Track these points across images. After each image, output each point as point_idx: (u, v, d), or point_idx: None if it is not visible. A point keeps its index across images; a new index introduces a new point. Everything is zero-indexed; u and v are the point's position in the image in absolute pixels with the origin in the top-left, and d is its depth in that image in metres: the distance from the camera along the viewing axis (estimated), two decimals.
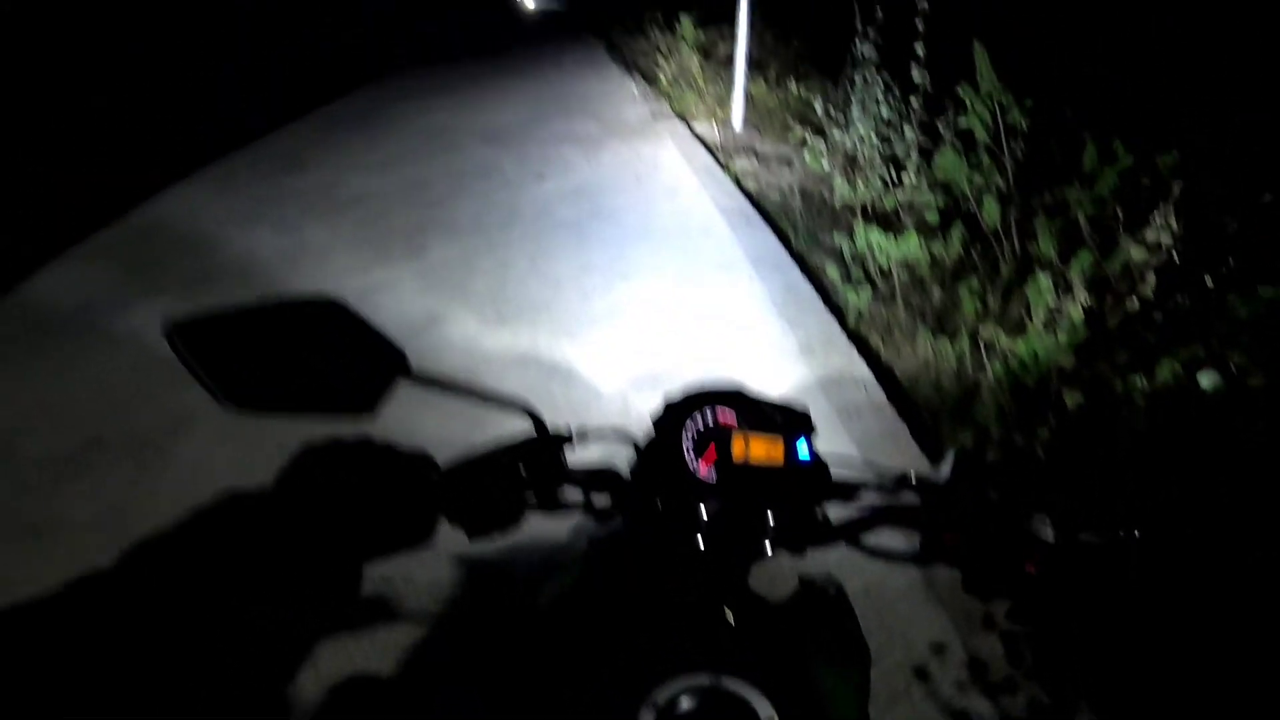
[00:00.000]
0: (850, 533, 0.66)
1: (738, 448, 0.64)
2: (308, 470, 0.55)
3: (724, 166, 4.30)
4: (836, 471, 0.68)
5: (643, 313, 2.78)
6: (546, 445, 0.66)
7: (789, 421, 0.68)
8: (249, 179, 4.50)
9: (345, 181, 4.30)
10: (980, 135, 3.17)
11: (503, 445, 0.65)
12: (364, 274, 3.18)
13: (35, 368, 2.66)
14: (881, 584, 1.63)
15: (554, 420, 0.68)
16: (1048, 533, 0.59)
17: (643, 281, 2.99)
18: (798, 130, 3.73)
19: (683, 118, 5.36)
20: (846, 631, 0.68)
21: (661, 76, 6.07)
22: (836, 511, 0.67)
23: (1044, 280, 2.55)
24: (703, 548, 0.63)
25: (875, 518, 0.66)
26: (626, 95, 6.09)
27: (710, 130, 5.03)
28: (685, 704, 0.52)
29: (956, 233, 2.96)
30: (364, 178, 4.34)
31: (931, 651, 1.51)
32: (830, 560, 0.71)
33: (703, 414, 0.67)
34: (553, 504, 0.66)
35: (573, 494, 0.67)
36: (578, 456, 0.68)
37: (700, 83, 5.71)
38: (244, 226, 3.75)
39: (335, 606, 0.51)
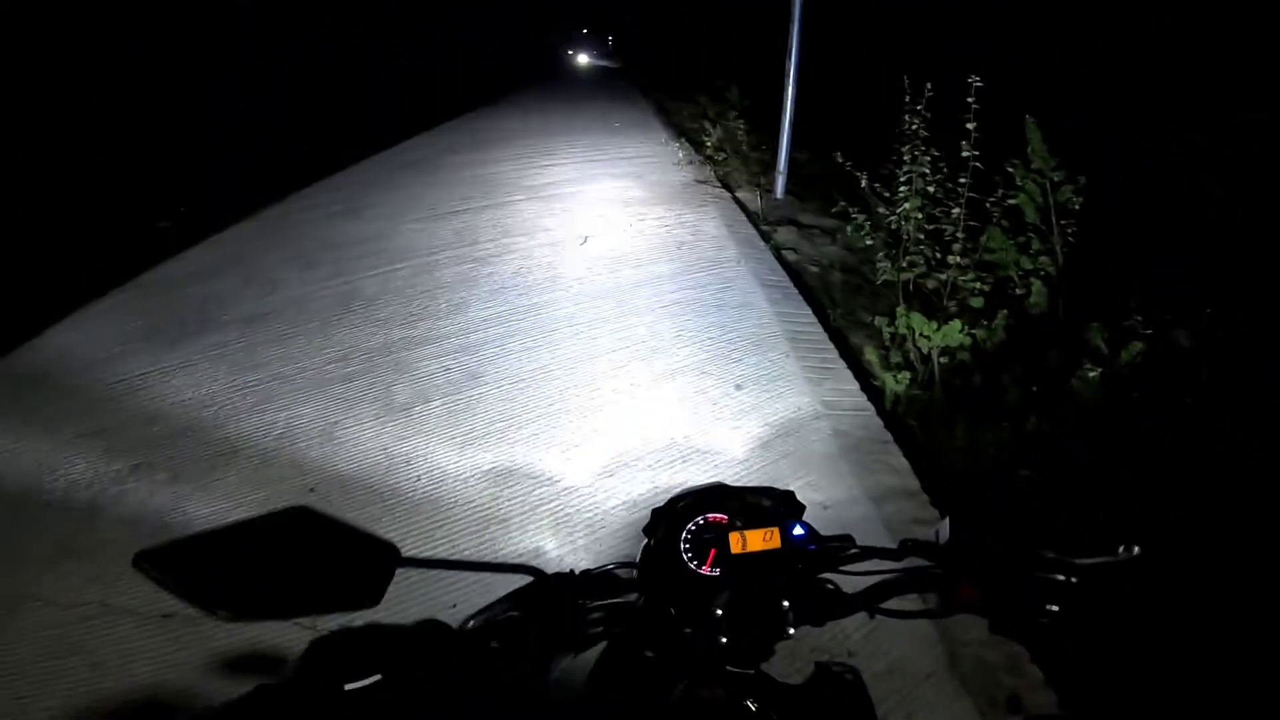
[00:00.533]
0: (866, 600, 0.69)
1: (735, 543, 0.67)
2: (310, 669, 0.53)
3: (765, 237, 4.36)
4: (836, 547, 0.70)
5: (672, 387, 2.79)
6: (553, 590, 0.67)
7: (777, 506, 0.71)
8: (303, 221, 4.72)
9: (398, 231, 4.48)
10: (1030, 215, 3.15)
11: (509, 596, 0.66)
12: (408, 327, 3.27)
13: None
14: (905, 665, 1.56)
15: (558, 567, 0.69)
16: (1059, 569, 0.62)
17: (676, 356, 3.01)
18: (841, 203, 3.76)
19: (726, 185, 5.49)
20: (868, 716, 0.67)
21: (707, 142, 6.25)
22: (848, 584, 0.69)
23: (1091, 373, 2.50)
24: (724, 640, 0.64)
25: (887, 585, 0.69)
26: (671, 159, 6.27)
27: (753, 198, 5.13)
28: None
29: (1001, 317, 2.92)
30: (415, 228, 4.53)
31: None
32: (853, 640, 0.71)
33: (695, 521, 0.69)
34: (571, 644, 0.67)
35: (590, 628, 0.67)
36: (585, 592, 0.69)
37: (745, 149, 5.86)
38: (298, 269, 3.92)
39: None
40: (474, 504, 2.17)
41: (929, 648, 1.61)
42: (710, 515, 0.69)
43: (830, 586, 0.69)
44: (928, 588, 0.68)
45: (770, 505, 0.71)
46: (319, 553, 0.57)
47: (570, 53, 40.03)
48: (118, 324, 3.39)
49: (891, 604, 0.69)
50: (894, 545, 0.70)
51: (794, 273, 3.84)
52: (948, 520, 0.68)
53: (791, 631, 0.65)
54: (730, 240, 4.23)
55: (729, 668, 0.63)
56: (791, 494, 0.72)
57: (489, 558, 0.68)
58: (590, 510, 2.12)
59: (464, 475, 2.29)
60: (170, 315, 3.45)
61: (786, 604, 0.66)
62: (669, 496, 0.72)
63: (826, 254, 4.10)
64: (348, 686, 0.52)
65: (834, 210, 4.14)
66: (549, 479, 2.27)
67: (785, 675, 0.66)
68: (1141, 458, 2.13)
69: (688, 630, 0.65)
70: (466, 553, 0.56)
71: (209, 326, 3.31)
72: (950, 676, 1.57)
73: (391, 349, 3.08)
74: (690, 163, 6.10)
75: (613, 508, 2.13)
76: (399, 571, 0.59)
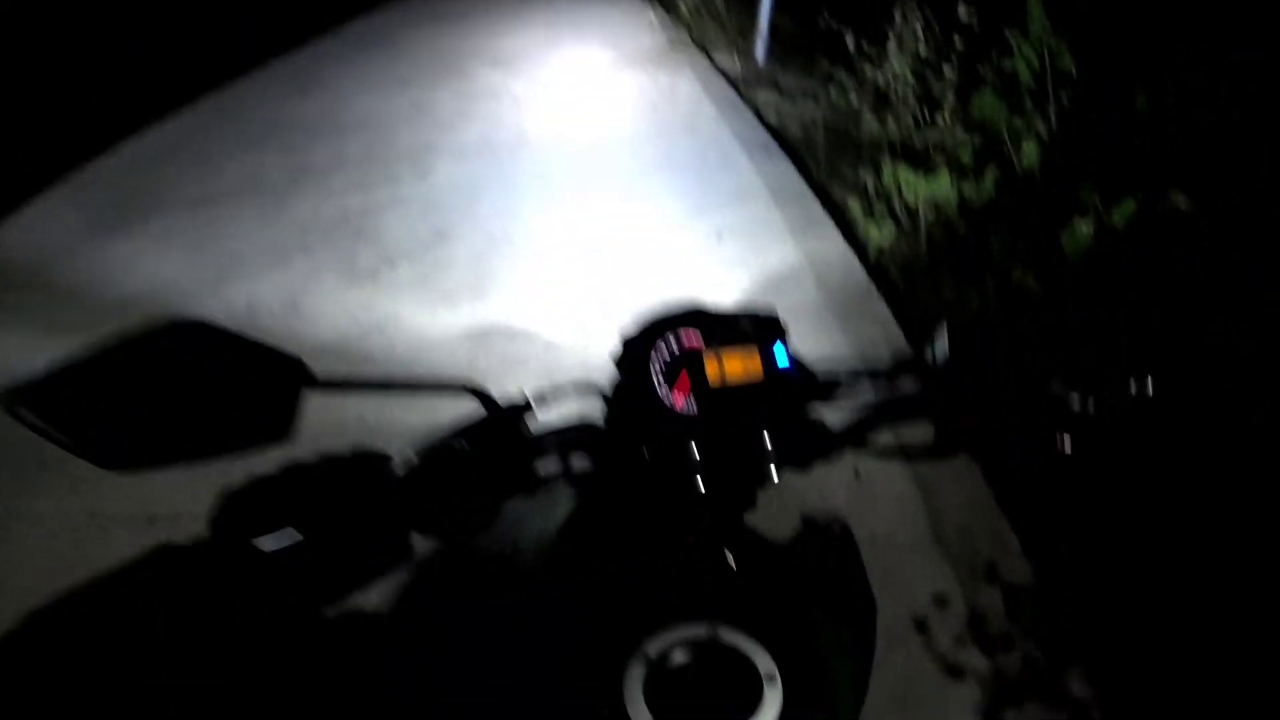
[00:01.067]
0: (853, 438, 0.61)
1: (711, 369, 0.59)
2: (239, 511, 0.48)
3: (745, 98, 4.10)
4: (824, 372, 0.63)
5: (653, 241, 2.69)
6: (503, 420, 0.60)
7: (759, 329, 0.62)
8: (248, 104, 4.35)
9: (350, 106, 4.14)
10: (1025, 78, 2.98)
11: (455, 431, 0.58)
12: (366, 194, 3.08)
13: None
14: (889, 534, 1.60)
15: (504, 392, 0.61)
16: (1074, 399, 0.53)
17: (657, 213, 2.88)
18: (824, 64, 3.53)
19: (703, 48, 5.11)
20: (851, 582, 0.63)
21: (682, 4, 5.76)
22: (834, 417, 0.61)
23: (1084, 228, 2.43)
24: (703, 489, 0.57)
25: (877, 416, 0.61)
26: (644, 23, 5.79)
27: (731, 62, 4.79)
28: (680, 657, 0.48)
29: (991, 174, 2.81)
30: (370, 99, 4.19)
31: (933, 603, 1.49)
32: (838, 506, 0.63)
33: (666, 342, 0.61)
34: (527, 482, 0.60)
35: (547, 465, 0.60)
36: (541, 422, 0.61)
37: (723, 11, 5.42)
38: (249, 151, 3.64)
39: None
40: (453, 365, 2.11)
41: (912, 516, 1.62)
42: (684, 338, 0.61)
43: (817, 421, 0.62)
44: (924, 416, 0.61)
45: (751, 328, 0.62)
46: (214, 378, 0.47)
47: None
48: (61, 219, 3.14)
49: (884, 439, 0.61)
50: (889, 360, 0.62)
51: (775, 132, 3.64)
52: (944, 328, 0.59)
53: (775, 478, 0.59)
54: (708, 101, 3.97)
55: (709, 520, 0.58)
56: (776, 317, 0.63)
57: (461, 412, 0.59)
58: (573, 364, 2.08)
59: (439, 338, 2.22)
60: (114, 205, 3.20)
61: (769, 444, 0.59)
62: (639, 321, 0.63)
63: (810, 114, 3.87)
64: (266, 548, 0.45)
65: (819, 73, 3.89)
66: (528, 336, 2.21)
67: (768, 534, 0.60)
68: (1134, 322, 2.07)
69: (662, 475, 0.58)
70: (444, 414, 0.56)
71: (156, 212, 3.08)
72: (933, 544, 1.59)
73: (350, 218, 2.91)
74: (665, 27, 5.65)
75: (598, 363, 2.10)
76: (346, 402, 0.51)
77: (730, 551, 0.56)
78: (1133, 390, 0.52)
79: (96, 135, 3.78)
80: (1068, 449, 0.53)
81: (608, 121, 3.76)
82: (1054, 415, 0.53)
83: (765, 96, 4.18)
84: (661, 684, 0.47)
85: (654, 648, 0.48)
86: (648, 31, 5.54)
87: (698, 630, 0.49)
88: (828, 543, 0.64)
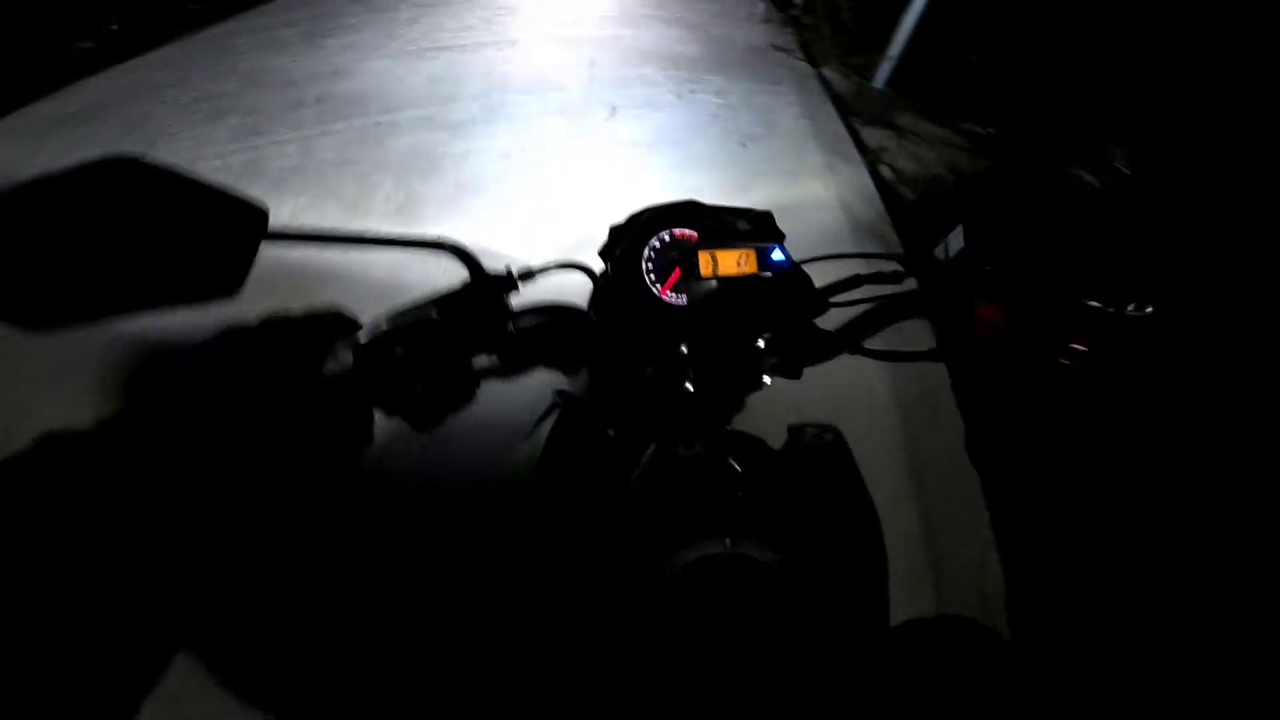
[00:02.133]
0: (854, 336, 0.59)
1: (705, 264, 0.59)
2: (181, 373, 0.46)
3: (858, 143, 3.14)
4: (820, 270, 0.62)
5: None
6: (485, 290, 0.54)
7: (755, 226, 0.62)
8: (242, 45, 3.50)
9: (357, 70, 3.27)
10: None
11: (430, 298, 0.52)
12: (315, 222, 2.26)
13: None
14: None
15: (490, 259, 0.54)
16: (1094, 306, 0.51)
17: None
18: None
19: (810, 57, 4.11)
20: (850, 486, 0.58)
21: None
22: (830, 319, 0.60)
23: None
24: (691, 388, 0.55)
25: (880, 314, 0.59)
26: (745, 10, 4.77)
27: (843, 82, 3.80)
28: (698, 569, 0.47)
29: None
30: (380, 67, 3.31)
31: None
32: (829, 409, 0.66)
33: (659, 236, 0.60)
34: (504, 362, 0.55)
35: (526, 346, 0.56)
36: (524, 298, 0.56)
37: (845, 14, 4.38)
38: (198, 119, 2.80)
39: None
40: None
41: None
42: (678, 231, 0.60)
43: (810, 327, 0.60)
44: (932, 314, 0.57)
45: (747, 226, 0.61)
46: (156, 220, 0.39)
47: None
48: None
49: (885, 340, 0.58)
50: (893, 256, 0.60)
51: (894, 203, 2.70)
52: (960, 229, 0.58)
53: (767, 380, 0.58)
54: (812, 141, 3.01)
55: (695, 425, 0.54)
56: (770, 215, 0.63)
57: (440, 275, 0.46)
58: None
59: None
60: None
61: (762, 343, 0.58)
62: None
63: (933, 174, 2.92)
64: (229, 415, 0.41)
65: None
66: None
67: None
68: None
69: (648, 371, 0.57)
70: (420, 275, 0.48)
71: None
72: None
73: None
74: (768, 21, 4.64)
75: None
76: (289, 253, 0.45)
77: (733, 460, 0.53)
78: (1129, 312, 0.50)
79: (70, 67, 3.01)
80: (1085, 349, 0.51)
81: (676, 144, 2.82)
82: (1078, 319, 0.51)
83: (880, 139, 3.21)
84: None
85: (680, 559, 0.47)
86: (746, 23, 4.52)
87: (716, 546, 0.47)
88: (823, 442, 0.60)
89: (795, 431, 0.60)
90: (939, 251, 0.60)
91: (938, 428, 1.56)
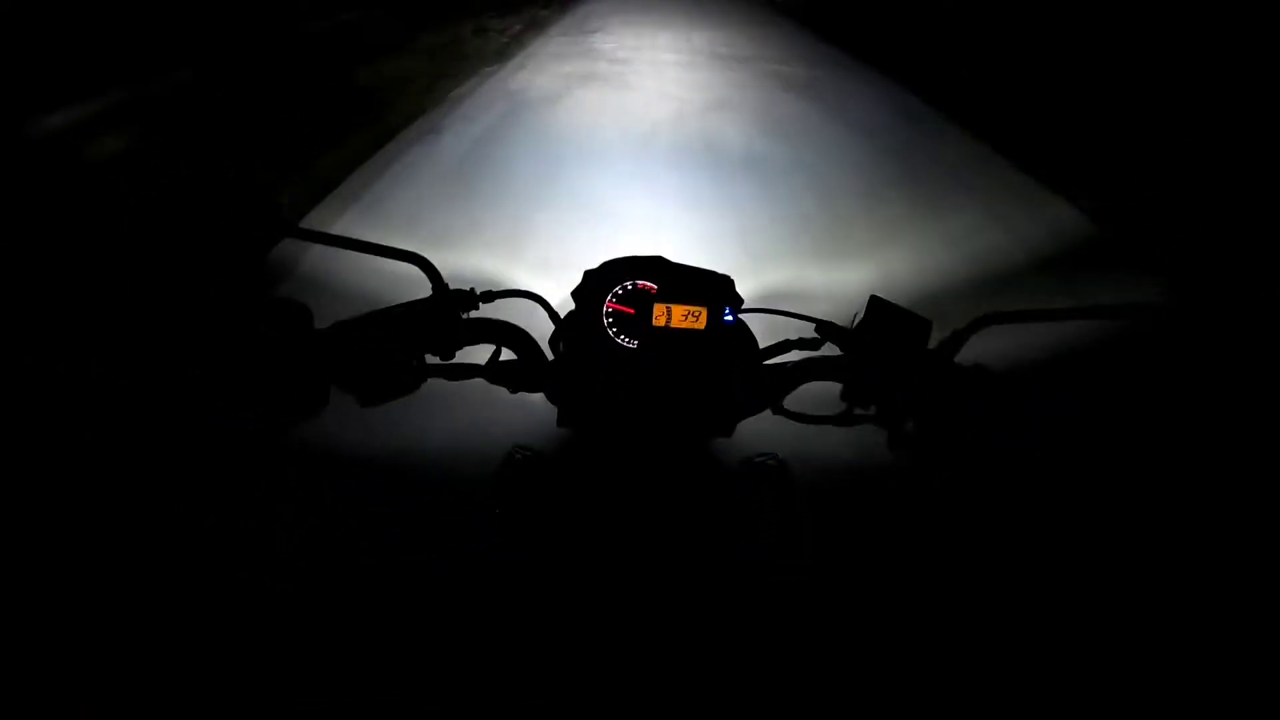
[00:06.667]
0: (775, 395, 0.64)
1: (659, 315, 0.64)
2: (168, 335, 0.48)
3: None
4: (760, 328, 0.66)
5: None
6: (445, 303, 0.62)
7: (712, 287, 0.66)
8: None
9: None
10: None
11: (397, 303, 0.61)
12: None
13: None
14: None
15: (458, 278, 0.62)
16: (980, 394, 0.56)
17: None
18: None
19: None
20: (792, 513, 0.62)
21: None
22: (768, 376, 0.65)
23: None
24: (635, 424, 0.61)
25: (796, 377, 0.64)
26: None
27: None
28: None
29: None
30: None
31: None
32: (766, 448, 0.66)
33: (623, 284, 0.66)
34: (453, 371, 0.63)
35: (476, 356, 0.63)
36: (483, 314, 0.64)
37: None
38: None
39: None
40: None
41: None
42: (640, 282, 0.66)
43: (745, 379, 0.65)
44: (838, 379, 0.63)
45: (706, 286, 0.66)
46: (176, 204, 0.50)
47: None
48: None
49: (801, 398, 0.63)
50: (816, 324, 0.65)
51: None
52: (868, 302, 0.62)
53: (705, 427, 0.63)
54: None
55: (649, 455, 0.60)
56: (730, 280, 0.67)
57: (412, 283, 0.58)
58: None
59: None
60: None
61: (700, 395, 0.62)
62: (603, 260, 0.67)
63: None
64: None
65: None
66: None
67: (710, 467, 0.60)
68: None
69: (600, 406, 0.62)
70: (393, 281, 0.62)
71: None
72: None
73: None
74: None
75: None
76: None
77: (676, 497, 0.58)
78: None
79: None
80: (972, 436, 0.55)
81: None
82: (954, 399, 0.57)
83: None
84: None
85: None
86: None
87: None
88: (767, 471, 0.64)
89: (744, 463, 0.65)
90: (852, 322, 0.64)
91: None
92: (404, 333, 0.59)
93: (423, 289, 0.62)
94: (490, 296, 0.64)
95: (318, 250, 0.58)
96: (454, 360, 0.62)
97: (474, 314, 0.64)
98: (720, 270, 0.67)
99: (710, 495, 0.60)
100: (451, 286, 0.62)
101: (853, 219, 2.74)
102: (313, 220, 2.59)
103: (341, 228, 2.40)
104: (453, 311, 0.62)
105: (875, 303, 0.62)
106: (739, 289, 0.67)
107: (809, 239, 2.55)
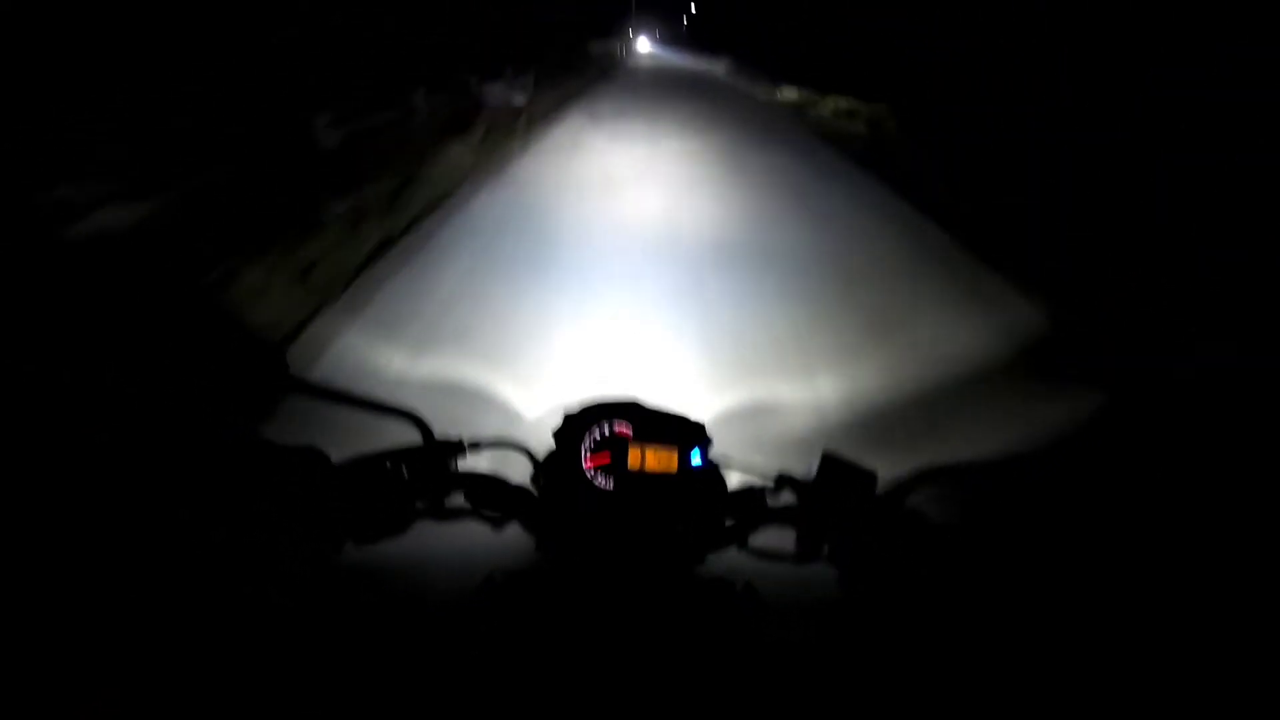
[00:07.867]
0: (739, 534, 0.67)
1: (633, 458, 0.68)
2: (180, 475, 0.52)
3: None
4: (729, 472, 0.70)
5: None
6: (434, 453, 0.66)
7: (684, 432, 0.70)
8: None
9: None
10: None
11: (390, 451, 0.64)
12: None
13: None
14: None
15: (447, 430, 0.68)
16: (928, 532, 0.61)
17: None
18: None
19: None
20: (762, 637, 0.63)
21: None
22: (729, 515, 0.68)
23: None
24: (608, 558, 0.64)
25: (754, 523, 0.67)
26: None
27: None
28: None
29: None
30: None
31: None
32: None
33: (600, 427, 0.69)
34: (441, 511, 0.66)
35: (462, 503, 0.67)
36: (470, 464, 0.68)
37: None
38: None
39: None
40: None
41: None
42: (617, 426, 0.69)
43: (713, 519, 0.68)
44: (793, 525, 0.66)
45: (678, 430, 0.70)
46: (189, 359, 0.54)
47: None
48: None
49: (761, 541, 0.67)
50: (776, 473, 0.68)
51: None
52: (822, 454, 0.66)
53: (672, 561, 0.65)
54: None
55: (621, 591, 0.62)
56: (702, 426, 0.71)
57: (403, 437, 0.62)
58: None
59: None
60: None
61: (670, 533, 0.66)
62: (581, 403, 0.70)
63: None
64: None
65: None
66: None
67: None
68: None
69: (578, 540, 0.65)
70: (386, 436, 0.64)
71: None
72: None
73: None
74: None
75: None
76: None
77: (653, 632, 0.59)
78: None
79: None
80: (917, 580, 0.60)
81: None
82: (905, 553, 0.61)
83: None
84: None
85: None
86: None
87: None
88: (739, 604, 0.65)
89: (712, 586, 0.66)
90: (807, 472, 0.67)
91: None
92: (395, 481, 0.63)
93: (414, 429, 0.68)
94: (477, 447, 0.69)
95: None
96: (442, 505, 0.66)
97: (462, 461, 0.68)
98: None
99: (682, 613, 0.62)
100: (438, 438, 0.67)
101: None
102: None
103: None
104: (442, 462, 0.66)
105: (827, 459, 0.66)
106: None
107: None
